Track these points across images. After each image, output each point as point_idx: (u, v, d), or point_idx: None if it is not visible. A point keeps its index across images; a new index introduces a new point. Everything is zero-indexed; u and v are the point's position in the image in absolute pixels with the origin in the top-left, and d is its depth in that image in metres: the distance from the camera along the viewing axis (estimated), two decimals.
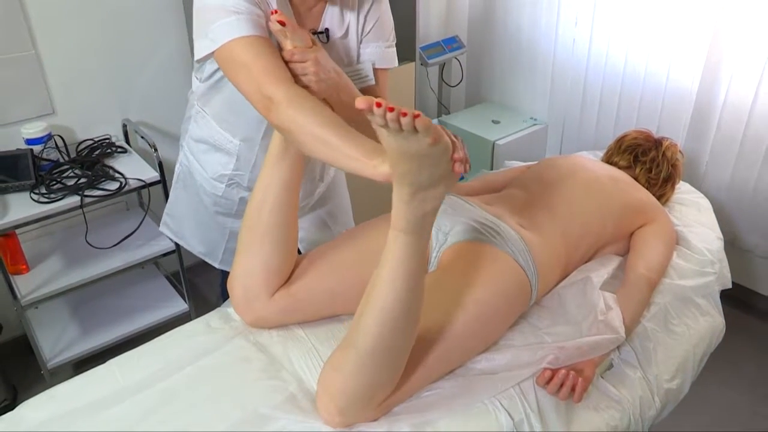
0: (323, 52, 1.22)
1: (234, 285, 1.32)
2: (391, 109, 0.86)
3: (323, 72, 1.19)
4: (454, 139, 0.96)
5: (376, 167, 0.99)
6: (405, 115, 0.86)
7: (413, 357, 1.13)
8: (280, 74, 1.15)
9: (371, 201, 1.85)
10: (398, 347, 1.07)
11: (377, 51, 1.41)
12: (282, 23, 1.16)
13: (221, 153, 1.51)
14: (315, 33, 1.34)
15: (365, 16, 1.38)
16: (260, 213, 1.27)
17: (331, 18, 1.35)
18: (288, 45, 1.20)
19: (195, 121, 1.55)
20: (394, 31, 1.45)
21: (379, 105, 0.85)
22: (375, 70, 1.42)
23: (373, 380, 1.07)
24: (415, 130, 0.88)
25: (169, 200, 1.78)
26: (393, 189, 1.01)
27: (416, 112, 0.86)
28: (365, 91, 1.39)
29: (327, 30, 1.36)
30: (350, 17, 1.37)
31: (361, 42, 1.40)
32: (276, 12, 1.18)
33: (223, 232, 1.67)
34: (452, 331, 1.17)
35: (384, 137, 0.93)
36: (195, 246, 1.75)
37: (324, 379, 1.11)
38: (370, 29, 1.39)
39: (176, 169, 1.70)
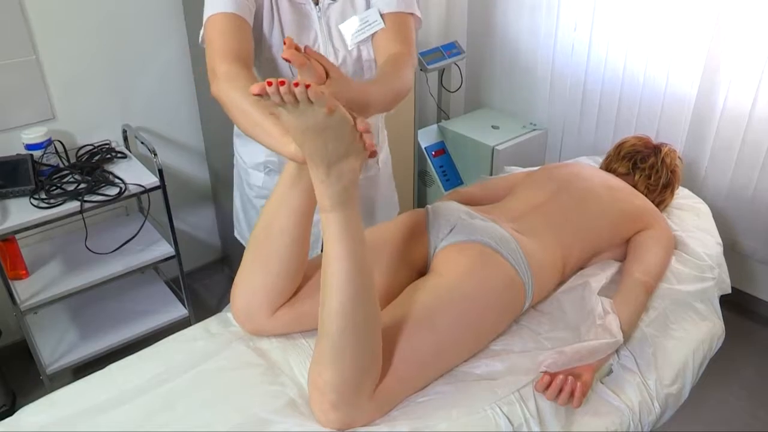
0: (336, 84, 1.08)
1: (236, 297, 1.30)
2: (283, 83, 0.88)
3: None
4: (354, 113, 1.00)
5: (286, 145, 1.05)
6: (297, 85, 0.89)
7: (403, 347, 1.14)
8: (232, 53, 1.23)
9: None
10: (366, 325, 1.09)
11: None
12: (287, 60, 1.04)
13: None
14: None
15: None
16: (267, 235, 1.25)
17: None
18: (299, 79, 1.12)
19: None
20: None
21: (270, 83, 0.88)
22: (390, 15, 1.42)
23: (354, 364, 1.07)
24: (309, 100, 0.90)
25: (233, 207, 1.84)
26: (310, 173, 1.05)
27: (307, 83, 0.89)
28: (377, 37, 1.42)
29: None
30: None
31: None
32: (285, 43, 1.05)
33: None
34: (442, 323, 1.19)
35: (284, 118, 0.96)
36: None
37: (311, 376, 1.12)
38: None
39: (234, 174, 1.77)
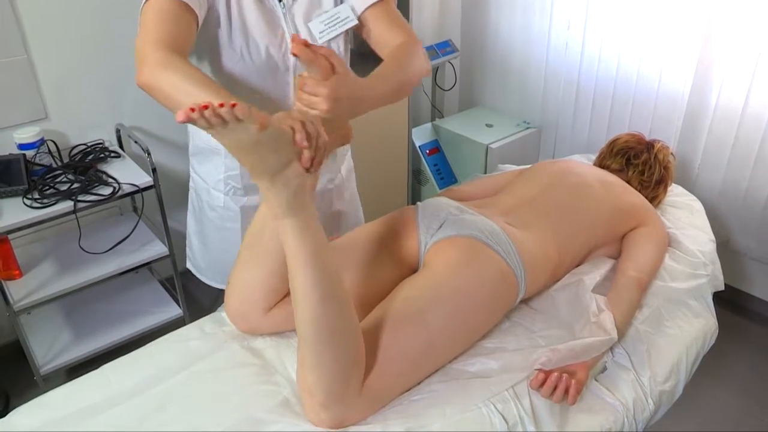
0: (340, 81, 1.09)
1: (230, 296, 1.31)
2: (206, 107, 0.86)
3: (334, 108, 1.07)
4: (296, 124, 0.98)
5: None
6: (223, 106, 0.87)
7: (393, 343, 1.15)
8: (167, 40, 1.14)
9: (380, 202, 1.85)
10: (342, 325, 1.09)
11: None
12: (294, 54, 1.08)
13: (214, 156, 1.51)
14: None
15: None
16: (260, 238, 1.25)
17: None
18: (305, 74, 1.12)
19: (191, 131, 1.56)
20: None
21: (193, 109, 0.86)
22: (371, 9, 1.37)
23: (336, 365, 1.08)
24: (237, 119, 0.89)
25: (187, 233, 1.76)
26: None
27: (233, 102, 0.88)
28: (372, 33, 1.38)
29: None
30: None
31: None
32: (294, 40, 1.07)
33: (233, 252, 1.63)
34: (432, 319, 1.19)
35: (216, 138, 0.94)
36: (208, 280, 1.73)
37: (298, 379, 1.13)
38: None
39: (190, 197, 1.69)
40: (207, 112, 0.87)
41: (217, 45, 1.33)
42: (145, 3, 1.21)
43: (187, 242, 1.78)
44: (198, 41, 1.28)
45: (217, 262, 1.68)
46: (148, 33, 1.16)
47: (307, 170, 1.04)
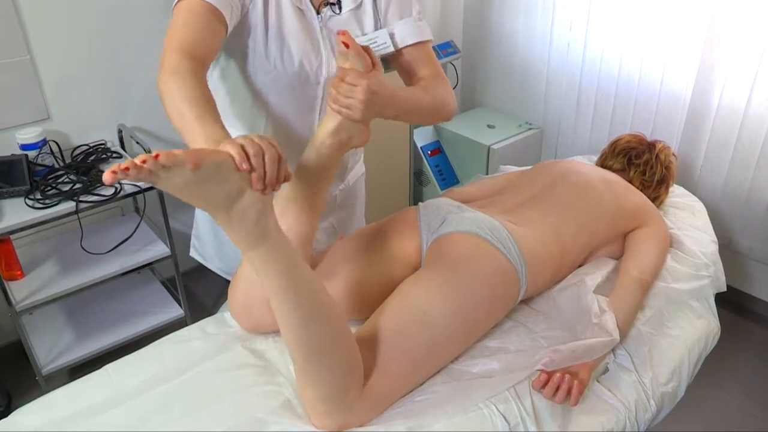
0: (378, 77, 1.17)
1: (236, 289, 1.31)
2: (127, 169, 0.82)
3: (371, 100, 1.14)
4: (233, 148, 0.92)
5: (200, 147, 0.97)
6: (145, 161, 0.83)
7: (394, 345, 1.15)
8: (188, 45, 1.14)
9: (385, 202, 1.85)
10: (331, 341, 1.08)
11: (406, 28, 1.40)
12: (346, 45, 1.15)
13: None
14: (327, 3, 1.35)
15: None
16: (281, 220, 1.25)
17: None
18: (346, 65, 1.17)
19: None
20: (417, 4, 1.43)
21: (115, 172, 0.81)
22: (412, 46, 1.40)
23: (331, 379, 1.08)
24: (163, 167, 0.85)
25: (194, 221, 1.74)
26: None
27: (155, 153, 0.84)
28: (404, 68, 1.40)
29: (339, 1, 1.36)
30: None
31: (385, 22, 1.40)
32: (344, 33, 1.15)
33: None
34: (433, 318, 1.19)
35: (158, 186, 0.90)
36: (218, 265, 1.72)
37: (298, 391, 1.15)
38: (388, 5, 1.39)
39: None
40: (131, 172, 0.83)
41: (248, 53, 1.33)
42: (177, 1, 1.20)
43: (193, 231, 1.75)
44: (227, 47, 1.28)
45: (225, 246, 1.66)
46: (173, 35, 1.17)
47: (263, 191, 0.96)
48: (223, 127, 1.03)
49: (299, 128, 1.45)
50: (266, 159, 0.94)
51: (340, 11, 1.36)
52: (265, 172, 0.95)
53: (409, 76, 1.42)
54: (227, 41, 1.24)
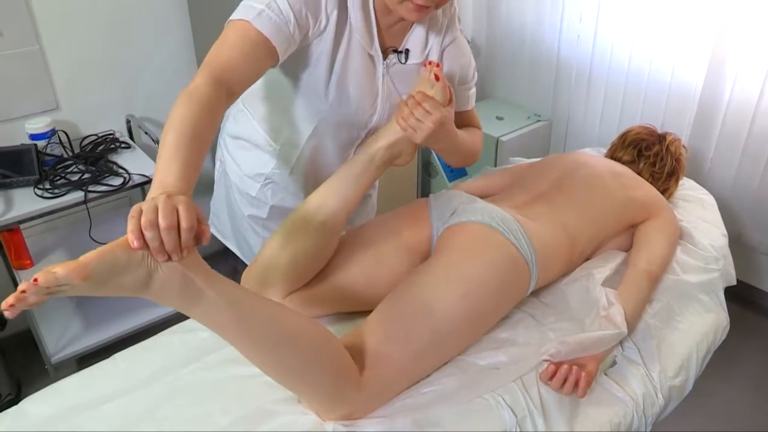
0: (450, 113, 1.27)
1: (252, 271, 1.28)
2: (15, 301, 0.80)
3: (437, 131, 1.22)
4: (129, 225, 0.85)
5: (150, 195, 0.89)
6: (24, 291, 0.81)
7: (398, 334, 1.15)
8: (222, 70, 1.09)
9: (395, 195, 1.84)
10: (302, 357, 1.06)
11: (463, 95, 1.45)
12: (437, 77, 1.25)
13: (259, 151, 1.48)
14: (395, 51, 1.33)
15: (441, 51, 1.38)
16: (316, 213, 1.27)
17: (414, 40, 1.34)
18: (429, 92, 1.24)
19: (234, 118, 1.53)
20: (476, 72, 1.48)
21: (12, 305, 0.79)
22: (463, 111, 1.47)
23: (318, 383, 1.08)
24: (50, 290, 0.83)
25: (212, 198, 1.72)
26: None
27: (34, 278, 0.81)
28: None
29: (407, 51, 1.34)
30: (433, 42, 1.36)
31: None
32: (438, 66, 1.26)
33: (257, 239, 1.60)
34: (439, 307, 1.18)
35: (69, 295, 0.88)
36: (233, 247, 1.70)
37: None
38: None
39: (216, 166, 1.66)
40: (18, 304, 0.80)
41: (300, 84, 1.31)
42: (233, 20, 1.15)
43: (212, 206, 1.72)
44: (281, 64, 1.22)
45: (242, 244, 1.66)
46: (214, 53, 1.12)
47: (170, 260, 0.87)
48: (188, 172, 0.94)
49: (330, 160, 1.46)
50: (161, 229, 0.83)
51: (406, 61, 1.35)
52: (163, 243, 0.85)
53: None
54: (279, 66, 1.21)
